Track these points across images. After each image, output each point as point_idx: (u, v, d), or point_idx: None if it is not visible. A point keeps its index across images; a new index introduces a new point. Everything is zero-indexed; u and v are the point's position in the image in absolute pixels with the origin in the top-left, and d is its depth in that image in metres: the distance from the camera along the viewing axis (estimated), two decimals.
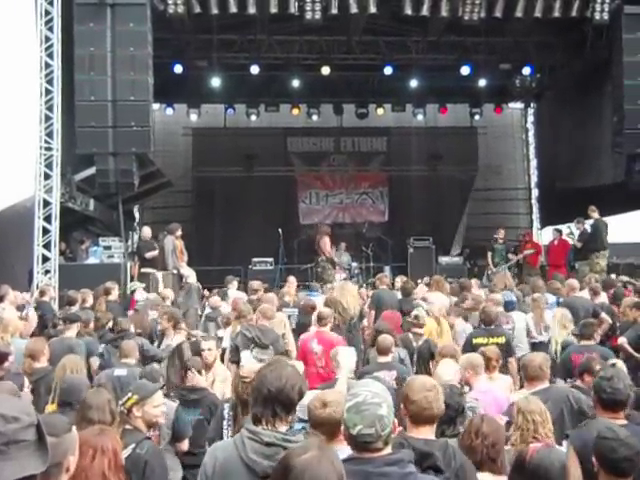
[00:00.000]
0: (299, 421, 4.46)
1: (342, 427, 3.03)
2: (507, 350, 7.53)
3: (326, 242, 16.26)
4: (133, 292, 12.22)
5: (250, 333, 7.54)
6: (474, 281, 12.91)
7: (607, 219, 14.81)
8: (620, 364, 5.91)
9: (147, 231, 14.31)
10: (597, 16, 14.49)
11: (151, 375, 5.76)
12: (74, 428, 2.62)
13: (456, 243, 21.88)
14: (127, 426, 4.45)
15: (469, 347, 7.58)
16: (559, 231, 17.11)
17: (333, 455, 2.43)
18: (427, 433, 3.61)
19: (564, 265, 15.91)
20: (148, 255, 13.56)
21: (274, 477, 2.41)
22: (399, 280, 12.56)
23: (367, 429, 2.89)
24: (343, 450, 3.62)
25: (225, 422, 5.20)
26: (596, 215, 14.50)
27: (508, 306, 9.65)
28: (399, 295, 10.77)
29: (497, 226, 20.82)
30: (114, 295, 10.91)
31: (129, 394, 4.64)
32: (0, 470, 1.74)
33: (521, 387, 5.81)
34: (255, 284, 11.65)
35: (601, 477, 3.53)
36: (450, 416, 4.32)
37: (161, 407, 4.63)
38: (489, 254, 17.00)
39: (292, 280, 12.39)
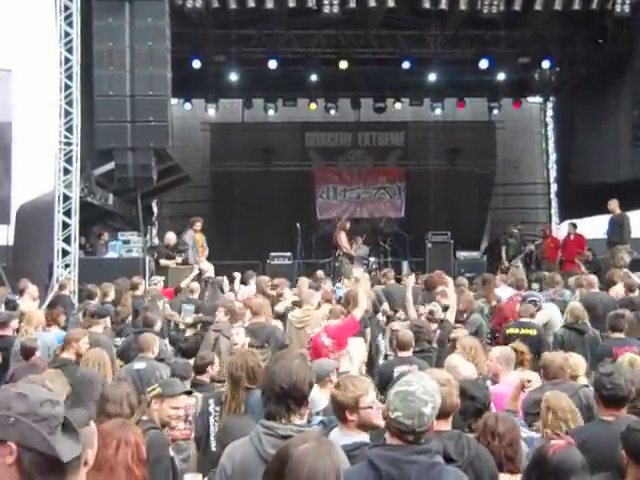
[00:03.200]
0: (316, 414, 4.49)
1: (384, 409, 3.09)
2: (537, 344, 7.54)
3: (342, 237, 16.22)
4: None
5: None
6: (498, 277, 12.80)
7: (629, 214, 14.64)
8: None
9: (171, 237, 13.97)
10: (618, 9, 14.35)
11: (184, 369, 5.78)
12: (92, 422, 2.64)
13: (484, 239, 21.86)
14: (144, 417, 4.47)
15: (503, 337, 7.89)
16: (575, 225, 17.01)
17: (331, 448, 2.42)
18: (442, 426, 3.63)
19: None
20: (162, 262, 13.50)
21: (271, 467, 2.42)
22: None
23: (404, 419, 2.95)
24: (351, 436, 3.66)
25: (212, 418, 5.15)
26: (618, 210, 14.35)
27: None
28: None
29: (515, 221, 20.83)
30: (140, 290, 10.98)
31: (155, 385, 4.67)
32: (62, 453, 1.83)
33: None
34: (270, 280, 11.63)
35: (630, 469, 3.51)
36: (478, 409, 4.30)
37: (180, 411, 4.61)
38: (503, 248, 16.90)
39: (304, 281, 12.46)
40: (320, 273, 13.66)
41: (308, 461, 2.26)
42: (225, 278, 12.53)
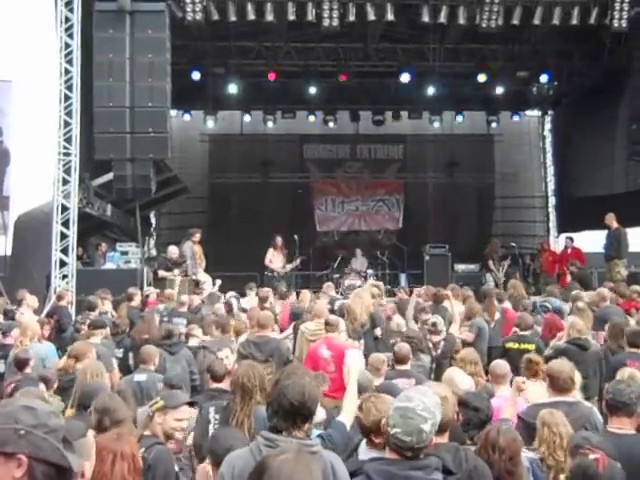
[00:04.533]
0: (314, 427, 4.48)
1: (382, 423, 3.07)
2: None
3: (267, 253, 16.09)
4: (147, 297, 12.26)
5: (245, 350, 7.49)
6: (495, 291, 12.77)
7: (627, 229, 14.63)
8: None
9: (172, 250, 13.87)
10: (616, 23, 14.39)
11: (177, 379, 5.76)
12: (90, 433, 2.62)
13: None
14: (147, 432, 4.44)
15: (502, 351, 7.85)
16: (572, 239, 17.04)
17: (310, 461, 2.44)
18: (438, 440, 3.59)
19: None
20: (160, 273, 13.47)
21: (251, 476, 2.43)
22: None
23: (403, 435, 2.93)
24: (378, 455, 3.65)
25: (211, 426, 5.11)
26: (615, 224, 14.38)
27: (556, 312, 9.70)
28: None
29: (513, 234, 20.92)
30: (136, 301, 10.95)
31: (157, 398, 4.64)
32: (74, 463, 1.85)
33: None
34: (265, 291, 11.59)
35: None
36: (482, 420, 4.29)
37: (183, 423, 4.56)
38: (490, 262, 16.94)
39: (305, 292, 12.45)
40: (329, 286, 13.33)
41: (285, 472, 2.28)
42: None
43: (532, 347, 8.00)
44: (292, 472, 2.28)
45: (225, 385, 6.07)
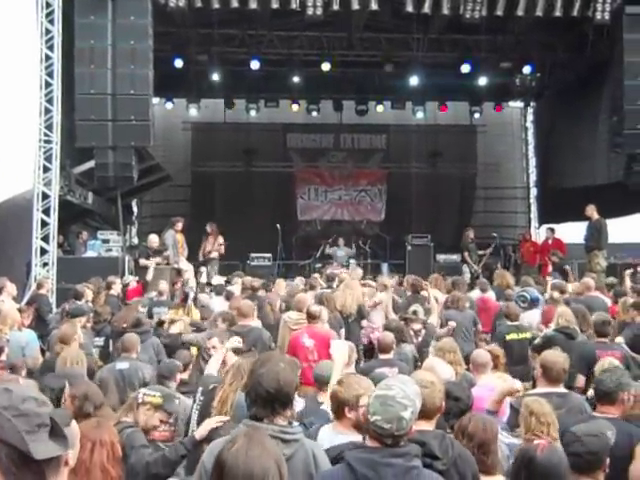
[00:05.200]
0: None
1: (363, 410, 3.11)
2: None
3: (202, 245, 16.08)
4: (127, 286, 12.22)
5: None
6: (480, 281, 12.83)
7: (607, 220, 14.75)
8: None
9: (153, 239, 13.77)
10: (598, 16, 14.45)
11: (168, 368, 5.77)
12: (74, 422, 2.62)
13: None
14: (128, 418, 4.44)
15: (502, 343, 7.81)
16: (552, 230, 17.17)
17: (264, 439, 2.46)
18: (425, 427, 3.64)
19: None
20: (141, 262, 13.40)
21: (212, 476, 2.44)
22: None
23: (383, 423, 2.96)
24: (345, 435, 3.67)
25: (195, 405, 5.15)
26: (595, 215, 14.51)
27: (533, 302, 9.74)
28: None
29: (494, 224, 21.04)
30: (115, 289, 10.90)
31: (158, 392, 4.63)
32: (35, 450, 1.80)
33: (533, 386, 5.68)
34: (254, 282, 11.57)
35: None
36: (462, 409, 4.33)
37: (165, 425, 4.59)
38: (466, 254, 17.05)
39: (280, 282, 12.47)
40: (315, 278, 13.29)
41: (240, 461, 2.30)
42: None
43: (529, 335, 8.18)
44: (246, 461, 2.30)
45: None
